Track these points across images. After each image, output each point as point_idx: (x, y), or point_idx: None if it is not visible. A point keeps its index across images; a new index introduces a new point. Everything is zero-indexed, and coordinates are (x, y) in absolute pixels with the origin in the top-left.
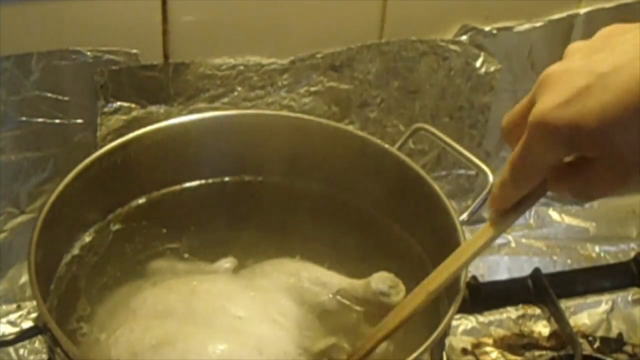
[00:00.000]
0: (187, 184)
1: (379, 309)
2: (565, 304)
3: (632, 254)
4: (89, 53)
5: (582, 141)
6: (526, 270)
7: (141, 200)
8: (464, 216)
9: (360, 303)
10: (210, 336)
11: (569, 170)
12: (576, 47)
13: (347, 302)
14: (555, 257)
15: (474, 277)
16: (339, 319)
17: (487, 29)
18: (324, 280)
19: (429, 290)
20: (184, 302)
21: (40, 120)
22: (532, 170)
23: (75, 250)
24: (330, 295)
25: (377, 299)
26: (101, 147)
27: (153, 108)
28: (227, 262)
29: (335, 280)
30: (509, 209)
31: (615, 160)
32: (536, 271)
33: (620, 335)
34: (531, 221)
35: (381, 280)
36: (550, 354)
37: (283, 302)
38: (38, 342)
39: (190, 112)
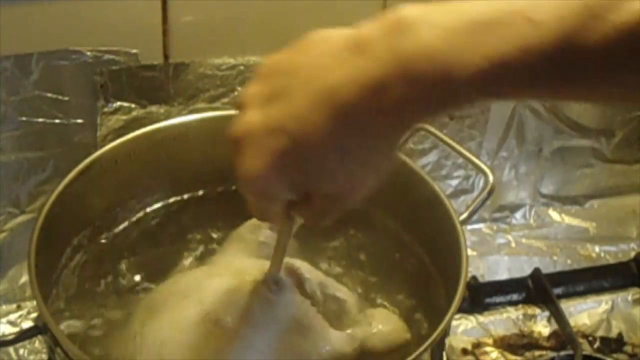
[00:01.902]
0: (187, 184)
1: None
2: (565, 304)
3: (632, 254)
4: (89, 53)
5: (295, 189)
6: (526, 270)
7: (141, 200)
8: (464, 216)
9: None
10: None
11: (301, 203)
12: (251, 95)
13: None
14: (555, 257)
15: (474, 277)
16: None
17: None
18: None
19: None
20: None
21: (40, 120)
22: (266, 211)
23: (76, 250)
24: None
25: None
26: (101, 147)
27: (153, 108)
28: None
29: None
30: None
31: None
32: (536, 271)
33: (620, 335)
34: (531, 221)
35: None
36: (550, 354)
37: None
38: (38, 342)
39: (190, 112)
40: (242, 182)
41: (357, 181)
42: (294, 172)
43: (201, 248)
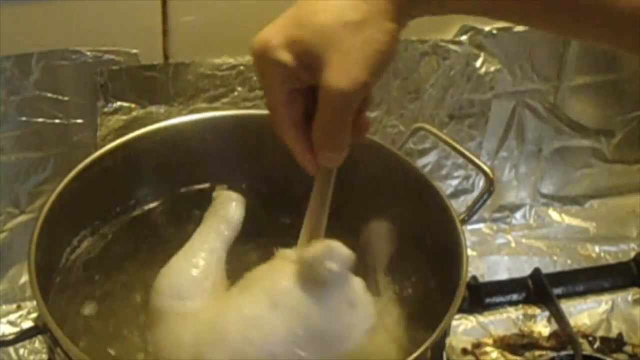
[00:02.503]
0: (187, 184)
1: None
2: (565, 304)
3: (632, 254)
4: (89, 53)
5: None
6: (526, 270)
7: (141, 200)
8: (464, 216)
9: None
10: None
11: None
12: None
13: None
14: (555, 257)
15: (474, 277)
16: None
17: (487, 29)
18: None
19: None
20: None
21: (40, 120)
22: (341, 133)
23: (75, 250)
24: None
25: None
26: (101, 147)
27: (153, 108)
28: None
29: None
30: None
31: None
32: (536, 271)
33: (620, 335)
34: (531, 221)
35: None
36: (550, 354)
37: None
38: (38, 342)
39: (190, 112)
40: (333, 98)
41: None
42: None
43: None
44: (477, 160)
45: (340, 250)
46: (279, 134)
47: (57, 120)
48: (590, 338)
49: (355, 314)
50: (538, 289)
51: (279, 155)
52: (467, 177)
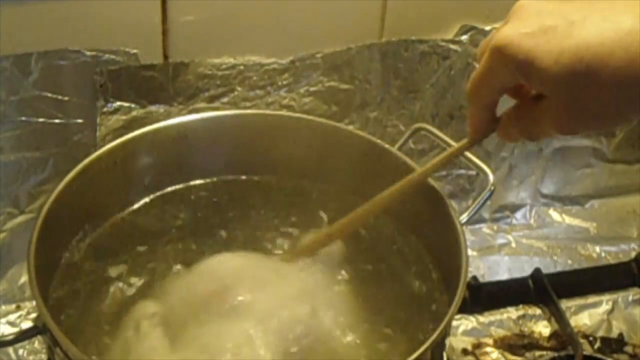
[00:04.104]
0: (187, 184)
1: None
2: (565, 304)
3: (633, 254)
4: (88, 53)
5: (532, 75)
6: (527, 271)
7: (141, 200)
8: (464, 216)
9: None
10: None
11: (520, 110)
12: None
13: None
14: (555, 257)
15: (474, 277)
16: None
17: (487, 28)
18: None
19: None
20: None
21: (40, 120)
22: (486, 89)
23: (75, 250)
24: None
25: None
26: (101, 147)
27: (153, 108)
28: None
29: None
30: (479, 130)
31: (558, 104)
32: (537, 271)
33: (620, 335)
34: (532, 221)
35: None
36: (550, 354)
37: None
38: (37, 342)
39: (190, 112)
40: (493, 44)
41: None
42: (546, 58)
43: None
44: (477, 160)
45: None
46: (473, 96)
47: (56, 120)
48: (591, 338)
49: None
50: (538, 289)
51: (278, 155)
52: (467, 177)
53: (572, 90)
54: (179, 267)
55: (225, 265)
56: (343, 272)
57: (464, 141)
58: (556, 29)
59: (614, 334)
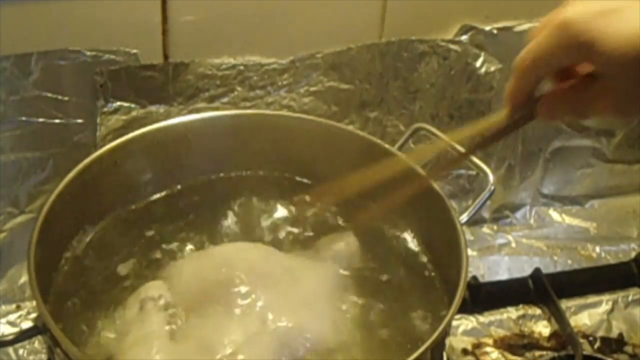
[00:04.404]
0: (187, 184)
1: None
2: (565, 304)
3: (633, 254)
4: (88, 53)
5: (596, 55)
6: (527, 271)
7: (141, 200)
8: (464, 216)
9: None
10: None
11: (572, 90)
12: None
13: None
14: (555, 257)
15: (474, 277)
16: None
17: (487, 29)
18: None
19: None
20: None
21: (40, 120)
22: (541, 64)
23: (75, 250)
24: None
25: None
26: (101, 147)
27: (153, 108)
28: None
29: None
30: (517, 105)
31: (617, 87)
32: (536, 271)
33: (620, 335)
34: (532, 221)
35: None
36: (550, 354)
37: None
38: (37, 342)
39: (190, 112)
40: (557, 21)
41: None
42: (608, 40)
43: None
44: (477, 160)
45: None
46: (524, 70)
47: (56, 120)
48: (591, 338)
49: None
50: (538, 289)
51: (278, 155)
52: (467, 177)
53: (636, 75)
54: (178, 267)
55: (240, 255)
56: (347, 272)
57: (500, 114)
58: (620, 13)
59: (614, 334)
